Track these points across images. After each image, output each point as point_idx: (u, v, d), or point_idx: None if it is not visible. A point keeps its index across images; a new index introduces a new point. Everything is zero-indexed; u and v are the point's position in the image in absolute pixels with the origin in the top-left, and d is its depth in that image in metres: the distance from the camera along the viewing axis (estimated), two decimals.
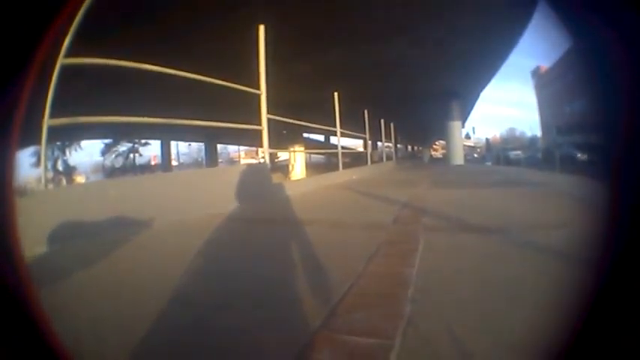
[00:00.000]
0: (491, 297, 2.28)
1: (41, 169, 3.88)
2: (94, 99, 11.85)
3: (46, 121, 3.66)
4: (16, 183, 1.10)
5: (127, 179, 5.37)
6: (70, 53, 3.71)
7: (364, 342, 1.80)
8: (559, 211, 4.74)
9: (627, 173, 0.81)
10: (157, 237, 3.98)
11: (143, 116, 5.34)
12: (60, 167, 34.85)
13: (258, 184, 6.64)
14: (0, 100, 0.95)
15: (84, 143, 37.56)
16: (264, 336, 1.89)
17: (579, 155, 21.30)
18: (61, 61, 3.66)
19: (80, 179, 34.94)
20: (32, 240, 2.91)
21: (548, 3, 0.96)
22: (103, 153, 44.27)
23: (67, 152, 36.61)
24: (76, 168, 37.32)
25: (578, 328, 0.83)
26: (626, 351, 0.78)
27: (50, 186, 3.82)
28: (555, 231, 3.70)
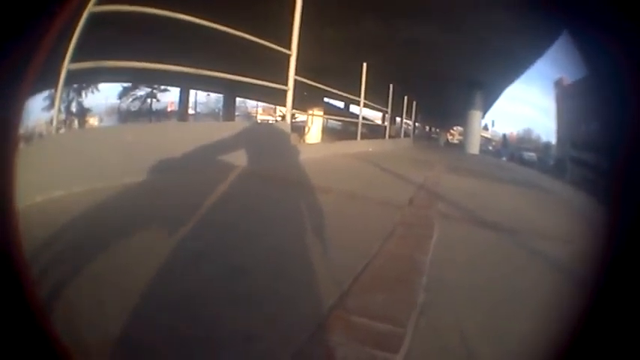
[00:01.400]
0: (502, 295, 2.30)
1: (54, 112, 3.81)
2: (118, 45, 11.74)
3: (66, 65, 3.58)
4: (23, 128, 1.11)
5: (143, 125, 5.30)
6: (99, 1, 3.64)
7: (377, 326, 1.78)
8: (570, 221, 4.74)
9: (626, 193, 0.84)
10: (166, 188, 3.85)
11: (166, 63, 5.25)
12: (73, 109, 34.78)
13: (278, 144, 6.57)
14: (17, 46, 0.94)
15: (102, 86, 37.37)
16: (277, 310, 1.86)
17: (586, 172, 21.17)
18: (90, 9, 3.59)
19: (93, 121, 34.94)
20: (34, 187, 2.83)
21: (569, 32, 1.00)
22: (121, 96, 43.93)
23: (84, 94, 36.46)
24: (90, 110, 37.22)
25: (580, 328, 0.86)
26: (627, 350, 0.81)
27: (62, 130, 3.73)
28: (559, 241, 3.73)
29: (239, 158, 5.05)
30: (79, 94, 35.96)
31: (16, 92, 0.96)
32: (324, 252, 2.61)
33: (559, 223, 4.81)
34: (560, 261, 3.03)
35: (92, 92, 37.44)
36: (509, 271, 2.76)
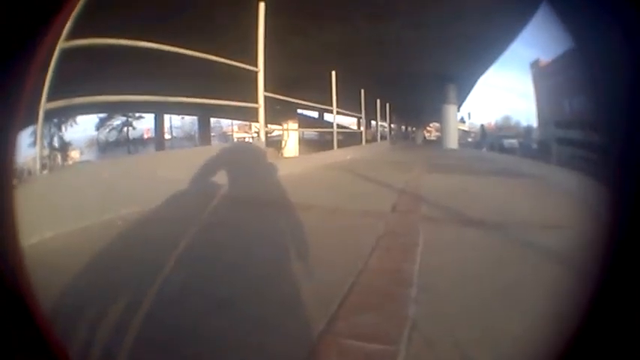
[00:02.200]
0: (494, 299, 2.24)
1: (37, 152, 3.77)
2: (89, 77, 11.70)
3: (43, 105, 3.58)
4: (16, 169, 1.17)
5: (119, 160, 5.32)
6: (68, 37, 3.62)
7: (369, 347, 1.76)
8: (559, 208, 4.71)
9: (626, 172, 0.81)
10: (147, 221, 3.88)
11: (137, 94, 5.29)
12: (56, 144, 35.23)
13: (255, 164, 6.55)
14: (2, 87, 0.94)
15: (79, 119, 37.71)
16: (267, 340, 1.82)
17: (576, 151, 21.26)
18: (60, 45, 3.58)
19: (75, 154, 35.43)
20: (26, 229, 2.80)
21: (551, 2, 0.97)
22: (98, 128, 44.47)
23: (63, 129, 36.80)
24: (71, 143, 37.68)
25: (577, 334, 0.83)
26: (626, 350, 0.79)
27: (45, 172, 3.73)
28: (555, 230, 3.66)
29: (216, 184, 5.01)
30: (59, 129, 36.25)
31: (8, 132, 0.97)
32: (309, 274, 2.57)
33: (549, 209, 4.76)
34: (557, 252, 2.94)
35: (71, 126, 37.81)
36: (502, 271, 2.69)
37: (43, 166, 3.80)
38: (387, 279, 2.51)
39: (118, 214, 3.82)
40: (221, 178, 5.14)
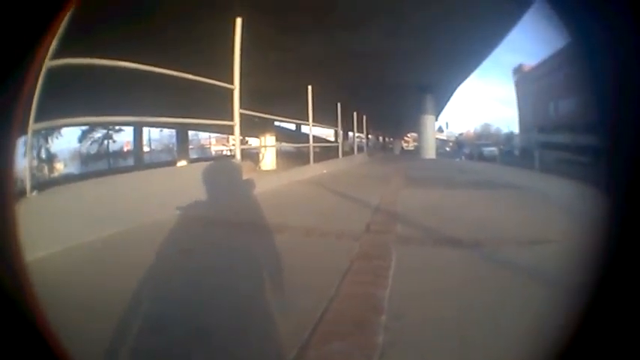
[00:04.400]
0: (471, 324, 2.22)
1: (27, 174, 3.76)
2: (72, 96, 11.64)
3: (31, 126, 3.60)
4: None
5: (99, 181, 5.28)
6: (53, 56, 3.63)
7: None
8: (543, 220, 4.71)
9: (619, 173, 0.81)
10: (121, 245, 3.86)
11: (118, 115, 5.37)
12: (43, 155, 35.75)
13: (230, 183, 6.56)
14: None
15: (64, 130, 38.13)
16: None
17: (563, 155, 21.39)
18: (47, 64, 3.59)
19: (60, 167, 36.13)
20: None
21: (548, 3, 0.97)
22: (80, 140, 45.02)
23: (50, 140, 37.18)
24: (56, 155, 38.15)
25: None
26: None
27: (34, 193, 3.73)
28: (540, 246, 3.67)
29: (191, 206, 4.98)
30: (46, 141, 36.45)
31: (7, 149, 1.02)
32: (280, 302, 2.57)
33: (530, 222, 4.77)
34: (542, 272, 2.92)
35: (57, 137, 38.05)
36: (480, 293, 2.65)
37: (32, 187, 3.79)
38: (358, 305, 2.51)
39: (96, 236, 3.84)
40: (198, 198, 5.12)
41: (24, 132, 3.48)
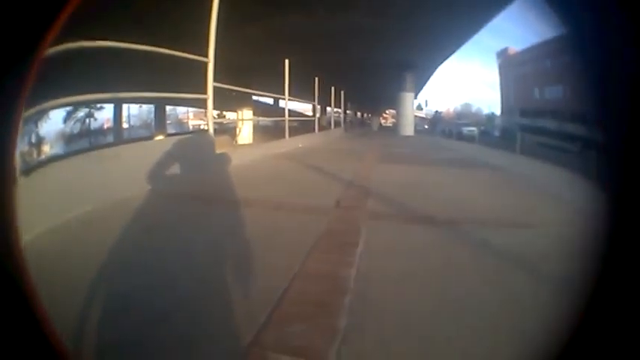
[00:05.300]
0: (439, 306, 2.16)
1: (16, 160, 3.62)
2: (58, 75, 11.43)
3: (22, 113, 3.47)
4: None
5: (74, 158, 5.14)
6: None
7: None
8: (520, 202, 4.70)
9: (605, 161, 0.80)
10: (94, 223, 3.71)
11: (100, 92, 5.28)
12: (33, 139, 35.49)
13: (204, 157, 6.46)
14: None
15: (51, 113, 37.79)
16: (193, 356, 1.74)
17: (544, 140, 21.48)
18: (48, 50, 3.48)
19: (46, 148, 36.10)
20: None
21: None
22: (65, 120, 44.90)
23: (39, 124, 36.85)
24: (44, 137, 37.97)
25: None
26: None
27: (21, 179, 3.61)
28: (519, 229, 3.61)
29: (165, 180, 4.89)
30: (35, 125, 36.02)
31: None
32: (244, 280, 2.49)
33: (505, 203, 4.73)
34: (514, 253, 2.87)
35: (45, 122, 37.56)
36: (449, 274, 2.58)
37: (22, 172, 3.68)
38: (321, 285, 2.42)
39: (70, 215, 3.70)
40: (171, 172, 5.03)
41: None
